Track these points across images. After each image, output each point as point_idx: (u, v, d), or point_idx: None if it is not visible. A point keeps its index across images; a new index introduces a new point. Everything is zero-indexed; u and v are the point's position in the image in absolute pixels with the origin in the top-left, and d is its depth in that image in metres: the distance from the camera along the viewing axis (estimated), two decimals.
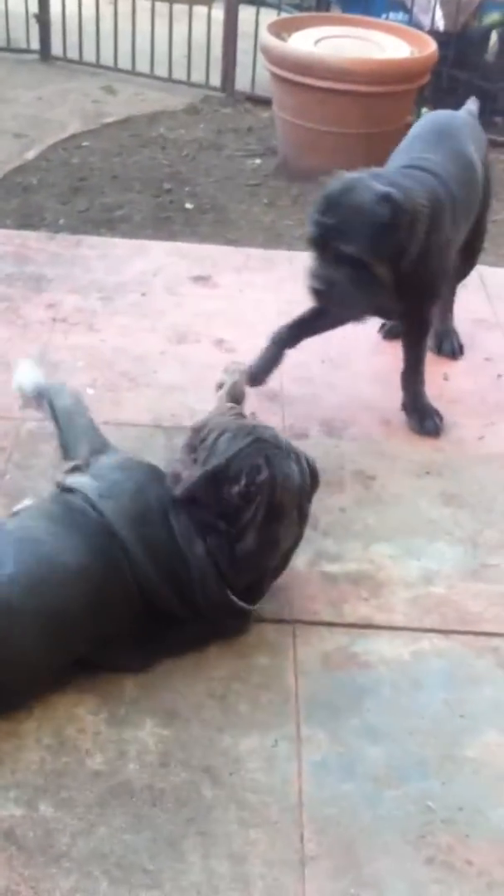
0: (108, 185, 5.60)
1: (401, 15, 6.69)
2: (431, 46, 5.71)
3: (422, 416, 3.64)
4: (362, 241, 3.16)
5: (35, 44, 7.46)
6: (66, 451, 3.00)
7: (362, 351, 4.07)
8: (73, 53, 7.33)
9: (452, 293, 4.14)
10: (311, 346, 3.75)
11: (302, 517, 2.78)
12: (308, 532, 2.88)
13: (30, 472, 3.29)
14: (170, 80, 7.03)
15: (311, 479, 2.79)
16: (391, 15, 6.66)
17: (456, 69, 6.47)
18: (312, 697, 2.64)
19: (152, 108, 6.77)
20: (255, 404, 3.54)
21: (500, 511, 3.32)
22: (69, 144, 6.12)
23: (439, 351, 4.10)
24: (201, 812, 2.33)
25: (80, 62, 7.32)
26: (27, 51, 7.49)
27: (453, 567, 3.09)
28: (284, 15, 6.65)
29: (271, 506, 2.62)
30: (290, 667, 2.72)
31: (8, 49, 7.53)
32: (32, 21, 7.38)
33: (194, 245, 4.90)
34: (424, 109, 6.25)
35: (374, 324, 4.09)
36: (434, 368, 3.91)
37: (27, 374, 3.23)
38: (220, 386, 3.49)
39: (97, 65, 7.24)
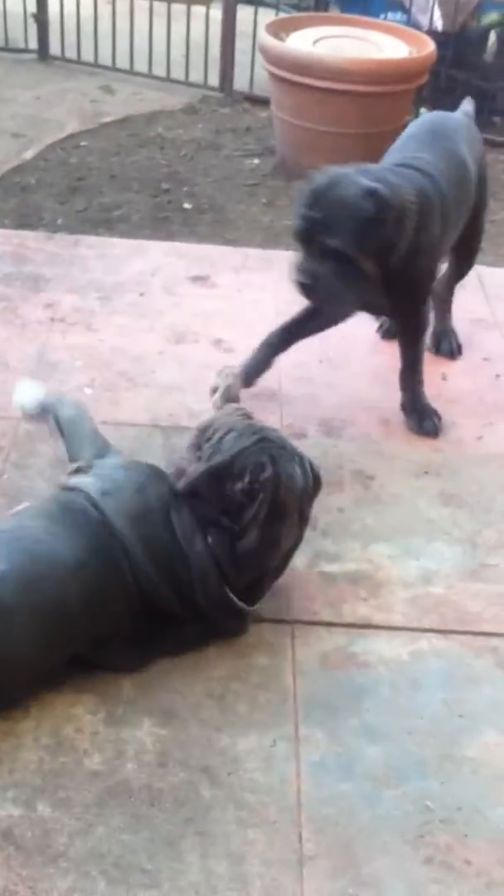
0: (106, 184, 5.59)
1: (399, 15, 6.69)
2: (430, 46, 5.71)
3: (420, 417, 3.64)
4: (347, 235, 3.16)
5: (33, 43, 7.46)
6: (71, 456, 3.01)
7: (361, 351, 4.07)
8: (71, 53, 7.33)
9: (450, 293, 4.14)
10: (309, 346, 3.75)
11: (303, 520, 2.78)
12: (307, 532, 2.87)
13: (27, 471, 3.28)
14: (168, 79, 7.03)
15: (314, 482, 2.80)
16: (389, 15, 6.66)
17: (454, 69, 6.47)
18: (311, 697, 2.63)
19: (150, 108, 6.77)
20: (254, 404, 3.53)
21: (499, 511, 3.32)
22: (67, 144, 6.11)
23: (437, 351, 4.10)
24: (199, 812, 2.33)
25: (79, 62, 7.32)
26: (25, 50, 7.49)
27: (452, 567, 3.09)
28: (283, 15, 6.65)
29: (274, 504, 2.62)
30: (288, 667, 2.71)
31: (6, 49, 7.53)
32: (30, 21, 7.38)
33: (192, 245, 4.90)
34: (423, 109, 6.25)
35: (372, 324, 4.09)
36: (432, 368, 3.91)
37: (28, 393, 3.25)
38: (214, 390, 3.50)
39: (95, 64, 7.24)
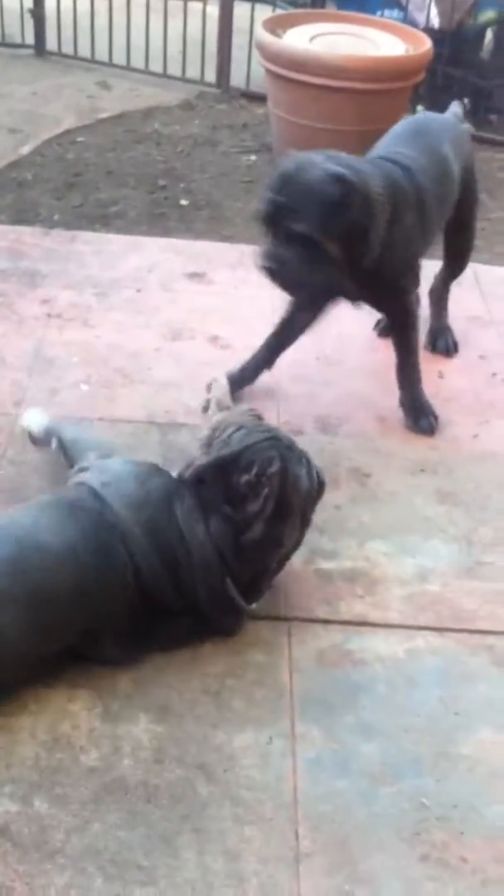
0: (102, 180, 5.59)
1: (396, 12, 6.67)
2: (426, 44, 5.71)
3: (417, 414, 3.64)
4: (312, 218, 3.14)
5: (30, 39, 7.44)
6: (75, 465, 3.02)
7: (358, 348, 4.07)
8: (67, 48, 7.31)
9: (446, 291, 4.15)
10: (306, 344, 3.75)
11: (304, 522, 2.79)
12: None
13: (24, 468, 3.28)
14: (165, 75, 7.02)
15: (318, 487, 2.81)
16: (386, 12, 6.64)
17: (451, 67, 6.47)
18: (307, 694, 2.64)
19: (147, 104, 6.76)
20: (251, 401, 3.54)
21: (495, 509, 3.32)
22: (64, 140, 6.10)
23: (434, 349, 4.11)
24: (196, 809, 2.33)
25: (75, 57, 7.30)
26: (22, 46, 7.47)
27: (448, 565, 3.09)
28: (279, 11, 6.63)
29: (280, 501, 2.63)
30: (284, 664, 2.72)
31: (3, 44, 7.50)
32: (27, 16, 7.36)
33: (189, 241, 4.89)
34: (419, 107, 6.26)
35: (368, 321, 4.09)
36: (429, 366, 3.91)
37: (35, 419, 3.29)
38: (205, 407, 3.52)
39: (92, 60, 7.22)
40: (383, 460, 3.49)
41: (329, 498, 3.07)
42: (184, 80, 7.00)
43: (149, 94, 6.92)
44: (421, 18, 6.51)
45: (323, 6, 7.31)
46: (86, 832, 2.26)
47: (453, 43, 6.45)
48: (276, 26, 5.82)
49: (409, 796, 2.41)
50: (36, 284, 4.35)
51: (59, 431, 3.18)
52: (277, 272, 3.26)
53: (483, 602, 2.97)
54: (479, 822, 2.37)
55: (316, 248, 3.19)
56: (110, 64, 7.15)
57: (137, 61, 7.05)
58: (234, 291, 4.40)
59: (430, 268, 4.09)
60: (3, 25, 7.50)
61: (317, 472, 2.80)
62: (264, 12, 6.48)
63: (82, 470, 2.88)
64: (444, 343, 4.12)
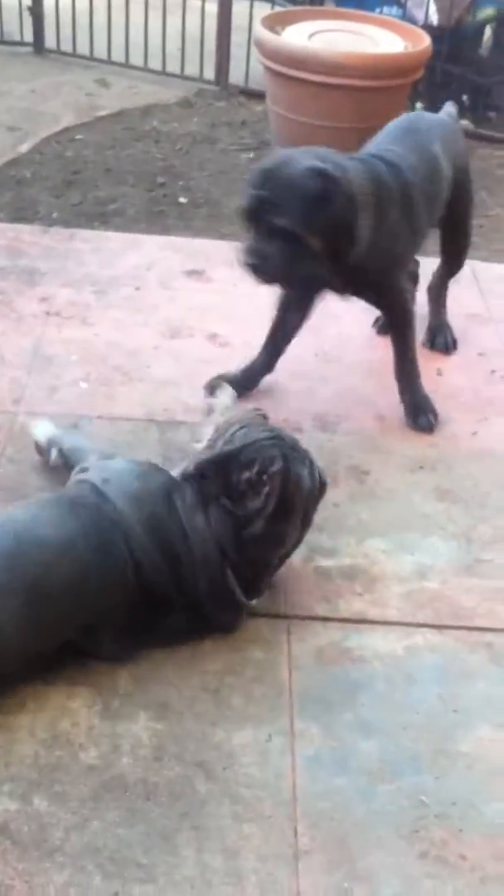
0: (101, 178, 5.59)
1: (395, 9, 6.67)
2: (425, 41, 5.71)
3: (417, 411, 3.64)
4: (294, 213, 3.15)
5: (29, 36, 7.44)
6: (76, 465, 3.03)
7: (356, 346, 4.07)
8: (66, 46, 7.31)
9: (444, 288, 4.15)
10: (305, 341, 3.76)
11: (305, 522, 2.79)
12: None
13: (23, 466, 3.28)
14: (163, 73, 7.02)
15: (320, 487, 2.81)
16: (385, 9, 6.64)
17: (450, 64, 6.47)
18: (306, 692, 2.64)
19: (146, 102, 6.76)
20: (250, 399, 3.54)
21: (494, 506, 3.32)
22: (63, 137, 6.10)
23: (432, 346, 4.11)
24: (195, 806, 2.33)
25: (74, 55, 7.30)
26: (21, 43, 7.47)
27: (447, 562, 3.09)
28: (278, 9, 6.63)
29: (282, 500, 2.64)
30: (284, 661, 2.72)
31: (1, 42, 7.50)
32: (26, 14, 7.36)
33: (188, 239, 4.89)
34: (418, 104, 6.26)
35: (367, 319, 4.09)
36: (428, 363, 3.92)
37: (43, 429, 3.28)
38: (209, 411, 3.51)
39: (91, 58, 7.22)
40: (382, 458, 3.49)
41: (328, 495, 3.07)
42: (182, 77, 6.99)
43: (147, 91, 6.92)
44: (420, 15, 6.50)
45: (322, 3, 7.30)
46: (85, 830, 2.26)
47: (452, 40, 6.45)
48: (274, 23, 5.81)
49: (408, 794, 2.41)
50: (35, 282, 4.35)
51: (61, 442, 3.19)
52: (260, 268, 3.26)
53: (482, 599, 2.97)
54: (478, 819, 2.37)
55: (298, 242, 3.19)
56: (109, 61, 7.15)
57: (136, 59, 7.05)
58: (232, 289, 4.40)
59: (429, 265, 4.10)
60: (1, 23, 7.49)
61: (319, 473, 2.80)
62: (263, 9, 6.47)
63: (83, 471, 2.89)
64: (442, 340, 4.12)
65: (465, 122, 6.42)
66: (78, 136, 6.13)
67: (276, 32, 5.70)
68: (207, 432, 2.86)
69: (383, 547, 3.12)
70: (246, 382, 3.69)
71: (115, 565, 2.59)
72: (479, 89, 6.67)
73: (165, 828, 2.28)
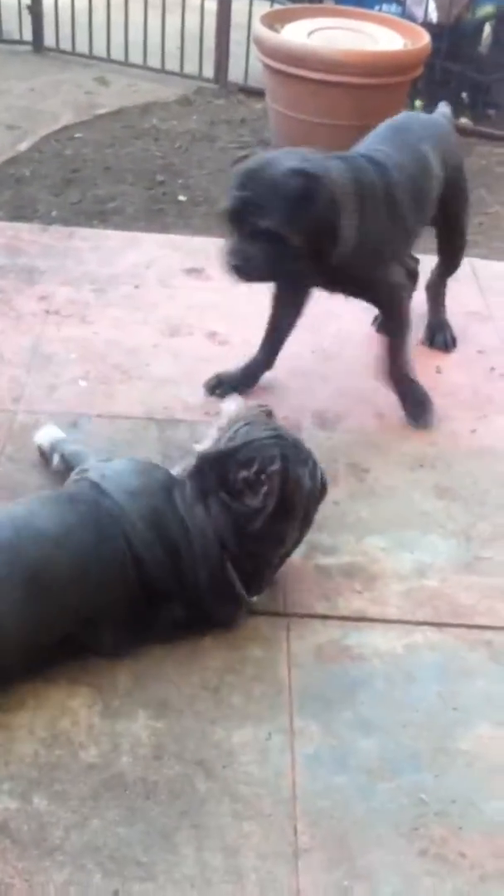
0: (100, 176, 5.59)
1: (394, 7, 6.68)
2: (425, 39, 5.71)
3: (415, 409, 3.64)
4: (276, 213, 3.15)
5: (28, 35, 7.44)
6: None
7: (356, 344, 4.07)
8: (65, 44, 7.31)
9: (442, 286, 4.15)
10: (304, 339, 3.76)
11: (306, 522, 2.80)
12: None
13: (22, 464, 3.28)
14: (163, 71, 7.02)
15: (321, 488, 2.81)
16: (384, 7, 6.65)
17: (449, 61, 6.47)
18: (306, 690, 2.64)
19: (145, 100, 6.76)
20: (249, 396, 3.54)
21: (493, 504, 3.32)
22: (62, 136, 6.10)
23: (432, 344, 4.11)
24: (195, 805, 2.33)
25: (73, 53, 7.30)
26: (20, 42, 7.47)
27: (446, 560, 3.09)
28: (278, 6, 6.63)
29: (283, 500, 2.64)
30: (283, 659, 2.72)
31: (0, 40, 7.50)
32: (25, 12, 7.36)
33: (187, 237, 4.89)
34: (418, 102, 6.26)
35: (366, 317, 4.08)
36: (427, 361, 3.92)
37: (46, 434, 3.29)
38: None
39: (90, 56, 7.22)
40: (381, 455, 3.49)
41: (328, 494, 3.08)
42: (182, 75, 6.99)
43: (147, 89, 6.92)
44: (419, 13, 6.51)
45: (321, 1, 7.30)
46: (85, 829, 2.26)
47: (451, 37, 6.45)
48: (274, 21, 5.82)
49: (408, 792, 2.41)
50: (34, 281, 4.35)
51: (63, 447, 3.20)
52: (243, 269, 3.27)
53: (481, 597, 2.97)
54: (478, 817, 2.37)
55: (281, 242, 3.20)
56: (108, 60, 7.15)
57: (135, 57, 7.05)
58: (232, 287, 4.38)
59: (428, 263, 4.09)
60: (0, 22, 7.48)
61: (321, 474, 2.80)
62: (262, 7, 6.47)
63: (82, 471, 2.90)
64: (442, 338, 4.12)
65: (464, 120, 6.46)
66: (77, 135, 6.13)
67: (276, 30, 5.70)
68: (211, 433, 2.86)
69: (383, 545, 3.12)
70: (245, 380, 3.69)
71: (115, 559, 2.60)
72: (479, 87, 6.67)
73: (165, 826, 2.28)
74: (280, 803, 2.35)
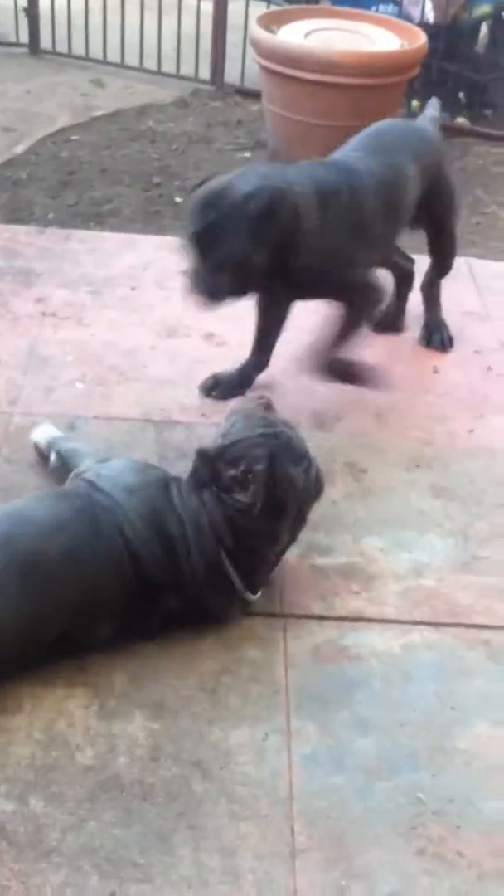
0: (97, 178, 5.59)
1: (390, 7, 6.68)
2: (421, 39, 5.71)
3: (367, 374, 3.62)
4: (238, 241, 3.18)
5: (24, 37, 7.44)
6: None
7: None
8: (62, 47, 7.31)
9: (434, 287, 4.14)
10: (302, 339, 3.75)
11: (300, 519, 2.79)
12: None
13: (19, 465, 3.28)
14: (159, 73, 7.02)
15: (316, 486, 2.80)
16: (381, 7, 6.64)
17: (446, 61, 6.46)
18: (303, 690, 2.64)
19: (141, 102, 6.76)
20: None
21: (490, 503, 3.32)
22: (58, 138, 6.10)
23: (429, 343, 4.11)
24: (191, 806, 2.33)
25: (70, 55, 7.30)
26: (16, 44, 7.47)
27: (444, 559, 3.09)
28: (274, 7, 6.63)
29: (273, 499, 2.63)
30: (280, 660, 2.71)
31: None
32: (21, 15, 7.36)
33: None
34: (414, 102, 6.26)
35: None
36: (424, 361, 3.93)
37: (43, 432, 3.30)
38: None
39: (86, 58, 7.22)
40: (379, 456, 3.49)
41: (325, 493, 3.07)
42: (178, 77, 6.99)
43: (143, 91, 6.92)
44: (416, 13, 6.51)
45: (317, 2, 7.30)
46: (81, 830, 2.26)
47: (448, 37, 6.45)
48: (270, 22, 5.82)
49: (405, 791, 2.40)
50: (30, 283, 4.35)
51: (59, 444, 3.20)
52: (210, 297, 3.32)
53: (479, 597, 2.97)
54: (476, 816, 2.36)
55: (246, 265, 3.22)
56: (104, 62, 7.15)
57: (132, 59, 7.05)
58: None
59: (424, 263, 4.09)
60: None
61: (317, 472, 2.80)
62: (259, 8, 6.47)
63: (80, 473, 2.91)
64: (439, 338, 4.12)
65: (461, 120, 6.48)
66: (73, 137, 6.13)
67: (272, 31, 5.70)
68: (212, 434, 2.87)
69: (380, 545, 3.12)
70: (241, 381, 3.69)
71: (111, 554, 2.61)
72: (476, 86, 6.67)
73: (162, 827, 2.28)
74: (277, 804, 2.35)
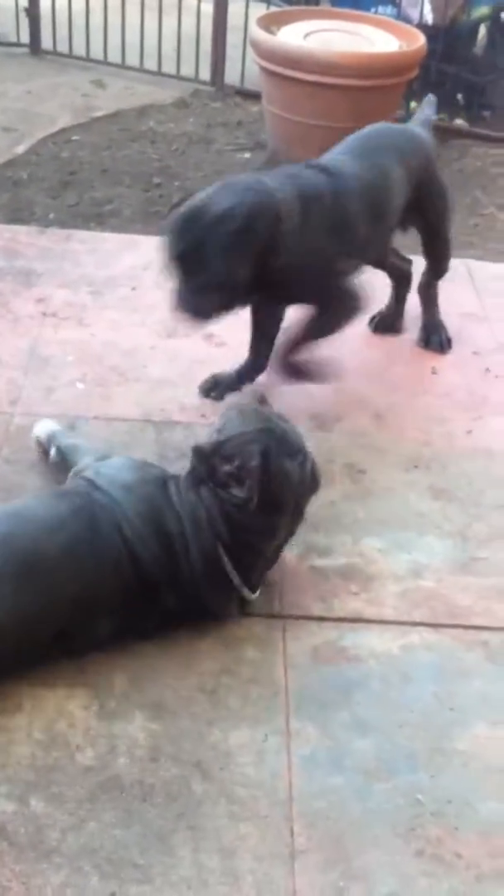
0: (97, 179, 5.59)
1: (389, 9, 6.68)
2: (420, 40, 5.72)
3: (318, 368, 3.61)
4: (220, 261, 3.18)
5: (25, 38, 7.45)
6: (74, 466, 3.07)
7: (352, 345, 4.06)
8: (62, 47, 7.32)
9: (431, 288, 4.14)
10: None
11: (297, 514, 2.79)
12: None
13: (20, 466, 3.29)
14: (159, 73, 7.03)
15: (311, 482, 2.81)
16: (380, 9, 6.65)
17: (444, 63, 6.47)
18: (302, 691, 2.64)
19: (142, 102, 6.77)
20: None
21: (489, 504, 3.33)
22: (59, 138, 6.11)
23: (427, 345, 4.11)
24: (191, 806, 2.33)
25: (70, 56, 7.31)
26: (17, 45, 7.48)
27: (443, 560, 3.10)
28: (274, 8, 6.64)
29: (269, 495, 2.64)
30: (279, 661, 2.72)
31: None
32: (22, 15, 7.37)
33: None
34: (413, 103, 6.27)
35: (363, 318, 4.08)
36: (422, 362, 3.93)
37: (44, 427, 3.31)
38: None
39: (87, 59, 7.23)
40: (378, 457, 3.50)
41: (324, 494, 3.08)
42: (178, 78, 7.00)
43: (143, 92, 6.92)
44: (414, 15, 6.51)
45: (317, 3, 7.31)
46: (82, 831, 2.26)
47: (447, 39, 6.45)
48: (270, 23, 5.83)
49: (404, 792, 2.41)
50: (31, 283, 4.35)
51: (59, 440, 3.21)
52: (196, 317, 3.33)
53: (478, 598, 2.97)
54: (474, 817, 2.37)
55: (230, 280, 3.23)
56: (105, 62, 7.16)
57: (132, 59, 7.06)
58: None
59: (421, 264, 4.09)
60: None
61: (313, 467, 2.80)
62: (259, 9, 6.47)
63: (79, 471, 2.92)
64: (437, 339, 4.12)
65: (459, 122, 6.48)
66: (74, 137, 6.14)
67: (272, 32, 5.71)
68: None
69: (379, 546, 3.13)
70: (241, 382, 3.69)
71: (110, 553, 2.61)
72: (474, 88, 6.67)
73: (162, 828, 2.29)
74: (276, 805, 2.35)
